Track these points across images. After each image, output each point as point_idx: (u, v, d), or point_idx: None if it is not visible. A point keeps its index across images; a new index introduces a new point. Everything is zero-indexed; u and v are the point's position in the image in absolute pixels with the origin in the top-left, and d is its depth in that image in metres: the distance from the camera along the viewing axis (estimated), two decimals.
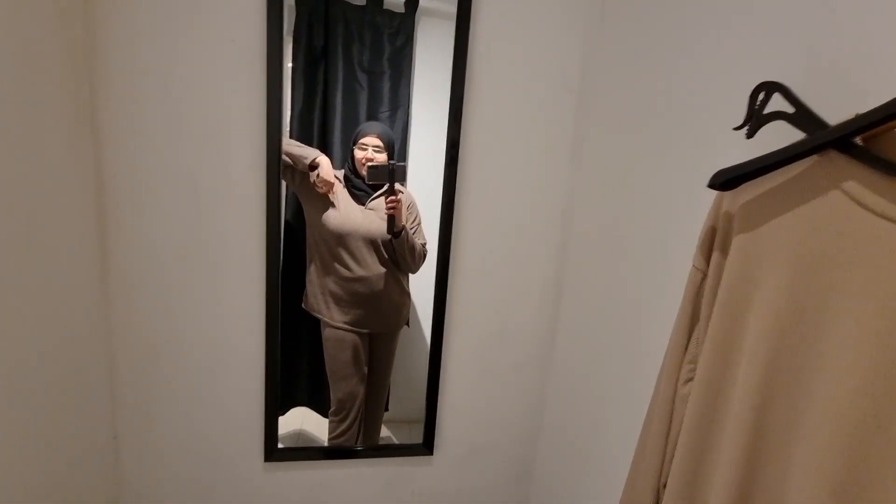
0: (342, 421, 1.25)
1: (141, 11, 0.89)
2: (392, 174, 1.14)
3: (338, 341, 1.22)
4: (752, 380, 0.48)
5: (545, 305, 1.19)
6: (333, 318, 1.20)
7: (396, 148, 1.32)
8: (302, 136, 1.36)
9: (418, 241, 1.18)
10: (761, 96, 0.49)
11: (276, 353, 1.11)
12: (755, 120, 0.50)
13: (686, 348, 0.56)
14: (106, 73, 0.89)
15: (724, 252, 0.53)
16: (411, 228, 1.18)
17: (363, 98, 1.40)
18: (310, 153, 1.18)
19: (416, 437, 1.26)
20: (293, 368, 1.44)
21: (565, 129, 1.12)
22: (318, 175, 1.17)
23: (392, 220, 1.14)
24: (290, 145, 1.17)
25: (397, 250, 1.17)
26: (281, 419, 1.34)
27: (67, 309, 0.87)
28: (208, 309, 1.03)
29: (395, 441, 1.33)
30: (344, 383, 1.23)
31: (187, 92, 0.93)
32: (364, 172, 1.18)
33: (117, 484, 1.07)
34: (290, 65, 1.32)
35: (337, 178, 1.24)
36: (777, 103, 0.49)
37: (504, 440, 1.26)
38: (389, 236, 1.16)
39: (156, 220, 0.97)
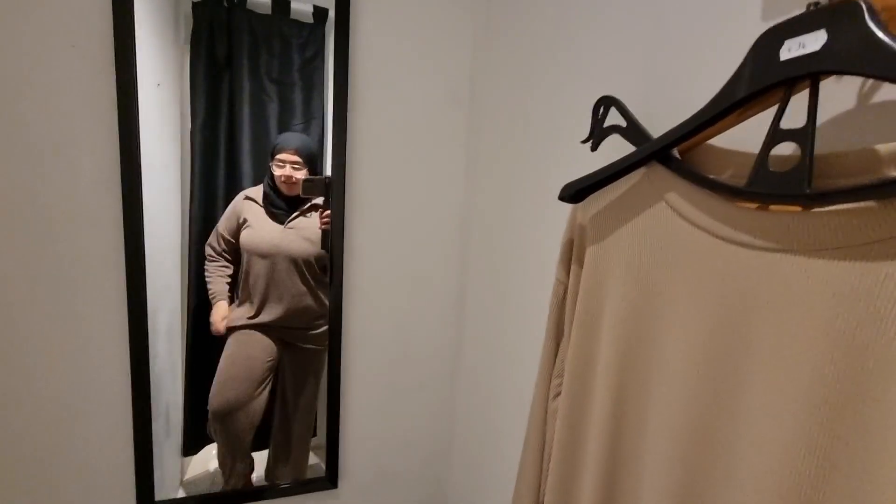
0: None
1: None
2: (328, 188, 1.10)
3: (242, 343, 1.14)
4: (606, 391, 0.48)
5: (448, 322, 1.17)
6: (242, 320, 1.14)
7: (316, 160, 1.28)
8: (206, 148, 1.28)
9: None
10: (601, 110, 0.50)
11: (146, 390, 0.99)
12: (598, 133, 0.51)
13: (554, 362, 0.56)
14: None
15: (580, 263, 0.53)
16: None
17: (273, 109, 1.34)
18: (213, 291, 1.15)
19: None
20: (204, 403, 1.34)
21: (456, 141, 1.11)
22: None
23: (326, 234, 1.10)
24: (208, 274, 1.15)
25: (327, 267, 1.13)
26: (194, 459, 1.23)
27: None
28: (59, 351, 0.89)
29: (324, 468, 1.26)
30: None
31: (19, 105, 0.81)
32: (285, 189, 1.13)
33: None
34: (187, 75, 1.25)
35: (250, 198, 1.18)
36: (618, 118, 0.50)
37: (414, 463, 1.22)
38: (312, 255, 1.12)
39: None
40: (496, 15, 1.01)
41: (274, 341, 1.15)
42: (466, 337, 1.15)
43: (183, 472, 1.28)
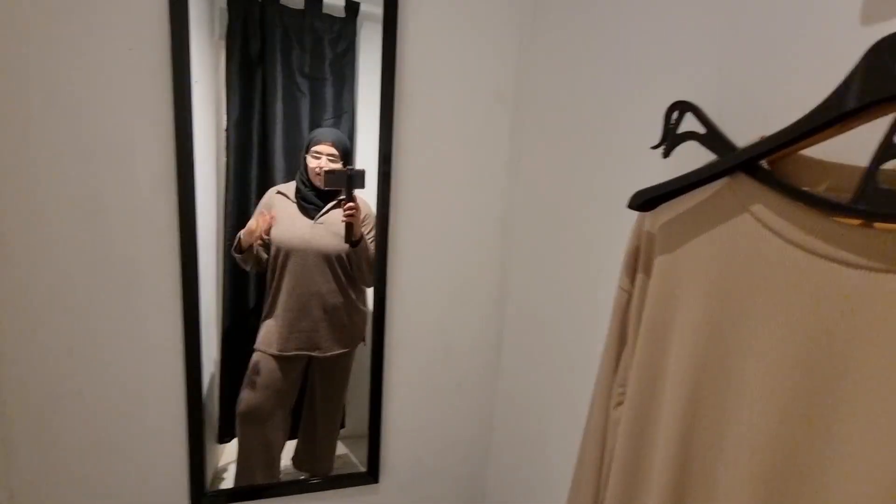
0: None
1: (14, 23, 0.78)
2: (350, 180, 1.09)
3: (273, 371, 1.13)
4: (677, 404, 0.47)
5: (489, 321, 1.16)
6: (272, 347, 1.12)
7: (350, 156, 1.27)
8: (240, 144, 1.29)
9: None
10: (675, 115, 0.49)
11: (199, 388, 1.01)
12: (670, 139, 0.49)
13: (616, 371, 0.55)
14: None
15: (648, 272, 0.52)
16: (369, 238, 1.13)
17: (305, 105, 1.34)
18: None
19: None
20: (237, 391, 1.36)
21: (500, 141, 1.10)
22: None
23: (350, 228, 1.08)
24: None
25: (354, 261, 1.12)
26: (227, 447, 1.26)
27: None
28: (115, 346, 0.92)
29: (353, 458, 1.28)
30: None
31: (81, 109, 0.83)
32: (319, 182, 1.12)
33: None
34: (223, 70, 1.25)
35: (282, 193, 1.18)
36: (692, 123, 0.48)
37: (453, 461, 1.23)
38: (342, 251, 1.11)
39: (48, 251, 0.85)
40: (543, 12, 0.99)
41: (301, 358, 1.14)
42: (507, 338, 1.15)
43: (217, 459, 1.32)
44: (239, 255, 1.11)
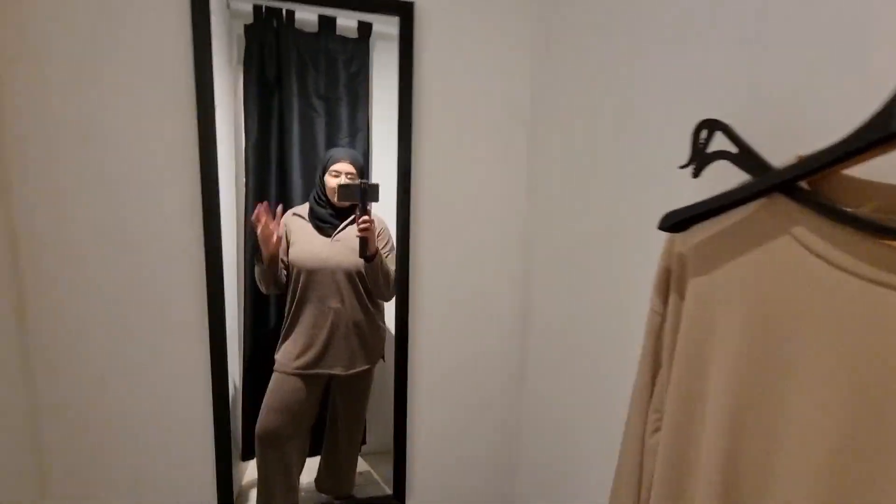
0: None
1: (49, 59, 0.81)
2: (364, 194, 1.09)
3: (296, 390, 1.13)
4: (719, 431, 0.45)
5: (511, 337, 1.15)
6: (292, 366, 1.12)
7: (366, 173, 1.28)
8: (259, 166, 1.31)
9: (392, 266, 1.13)
10: (704, 134, 0.48)
11: (226, 416, 1.01)
12: (699, 159, 0.48)
13: (651, 395, 0.54)
14: (13, 126, 0.81)
15: (681, 294, 0.50)
16: (384, 253, 1.13)
17: (321, 125, 1.36)
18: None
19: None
20: (257, 409, 1.37)
21: (519, 159, 1.10)
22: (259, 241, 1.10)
23: (364, 242, 1.08)
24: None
25: (369, 276, 1.11)
26: (249, 464, 1.26)
27: None
28: (145, 371, 0.94)
29: (375, 475, 1.27)
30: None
31: (109, 142, 0.86)
32: (338, 200, 1.13)
33: None
34: (241, 94, 1.27)
35: (298, 214, 1.18)
36: (722, 141, 0.47)
37: (480, 481, 1.21)
38: (361, 267, 1.11)
39: (81, 281, 0.88)
40: (558, 31, 0.99)
41: (321, 377, 1.14)
42: (531, 356, 1.13)
43: (241, 477, 1.32)
44: (258, 267, 1.11)
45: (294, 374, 1.12)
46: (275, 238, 1.10)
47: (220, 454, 1.01)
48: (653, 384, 0.53)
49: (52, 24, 0.80)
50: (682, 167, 0.50)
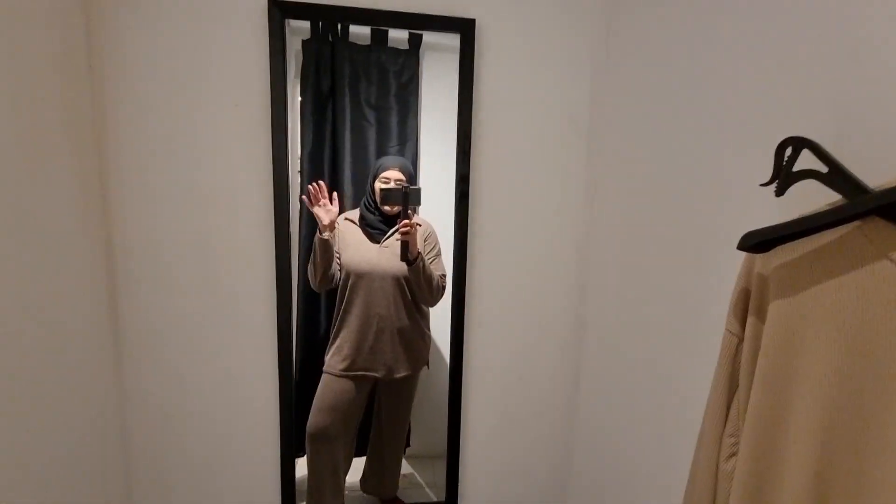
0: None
1: (147, 83, 0.90)
2: (406, 197, 1.11)
3: (343, 392, 1.17)
4: (804, 461, 0.44)
5: (566, 349, 1.15)
6: (339, 369, 1.16)
7: (415, 181, 1.32)
8: (313, 174, 1.37)
9: (436, 272, 1.15)
10: (788, 152, 0.46)
11: (290, 414, 1.07)
12: (784, 177, 0.46)
13: (726, 419, 0.52)
14: (114, 145, 0.90)
15: (761, 316, 0.49)
16: (428, 258, 1.15)
17: (372, 134, 1.40)
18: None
19: (440, 474, 1.20)
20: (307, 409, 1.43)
21: (577, 167, 1.09)
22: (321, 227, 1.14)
23: (405, 245, 1.11)
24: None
25: (413, 279, 1.14)
26: (299, 461, 1.31)
27: (81, 379, 0.86)
28: (220, 372, 1.01)
29: (419, 478, 1.29)
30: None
31: (195, 158, 0.94)
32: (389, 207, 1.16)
33: None
34: (298, 103, 1.33)
35: (349, 219, 1.22)
36: (807, 159, 0.45)
37: (532, 491, 1.21)
38: (406, 274, 1.13)
39: (166, 285, 0.96)
40: (620, 39, 0.98)
41: (368, 380, 1.17)
42: (586, 369, 1.12)
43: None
44: (319, 240, 1.13)
45: (341, 376, 1.16)
46: (333, 207, 1.14)
47: (285, 455, 1.07)
48: (728, 408, 0.52)
49: (151, 50, 0.89)
50: (765, 185, 0.49)
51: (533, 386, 1.15)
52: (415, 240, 1.12)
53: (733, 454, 0.51)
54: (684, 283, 0.77)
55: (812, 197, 0.44)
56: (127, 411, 0.98)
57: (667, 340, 0.82)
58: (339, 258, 1.19)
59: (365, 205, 1.22)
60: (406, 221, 1.09)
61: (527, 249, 1.10)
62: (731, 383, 0.51)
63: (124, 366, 0.96)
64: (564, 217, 1.10)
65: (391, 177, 1.18)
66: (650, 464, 0.86)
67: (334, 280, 1.18)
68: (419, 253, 1.13)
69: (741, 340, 0.51)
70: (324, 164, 1.42)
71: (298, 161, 1.34)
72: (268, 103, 0.93)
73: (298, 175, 1.35)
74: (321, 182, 1.16)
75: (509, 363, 1.13)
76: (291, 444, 1.08)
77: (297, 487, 1.23)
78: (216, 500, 1.05)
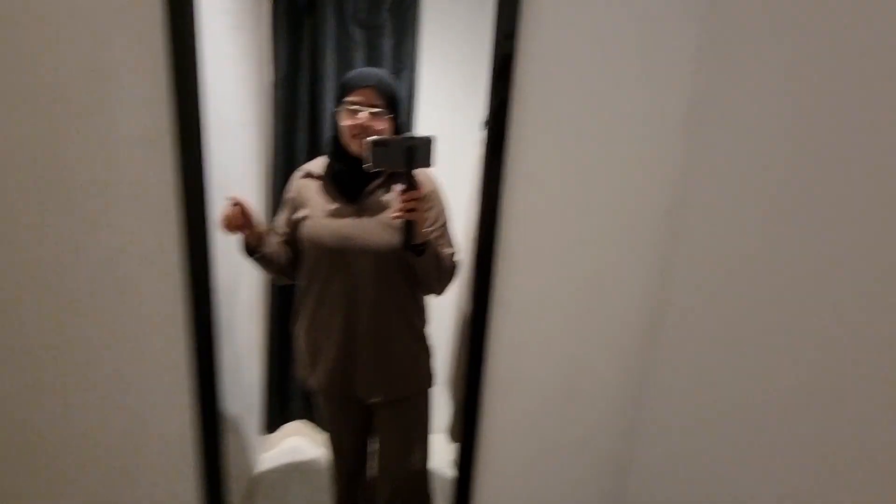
0: None
1: None
2: (411, 155, 0.65)
3: (334, 413, 0.85)
4: None
5: (628, 359, 0.79)
6: (321, 383, 0.80)
7: (405, 110, 1.01)
8: (287, 106, 1.11)
9: (446, 251, 0.76)
10: None
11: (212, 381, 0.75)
12: None
13: None
14: None
15: None
16: (433, 234, 0.74)
17: (359, 57, 1.14)
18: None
19: None
20: (283, 383, 1.21)
21: (670, 84, 0.68)
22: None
23: (411, 228, 0.68)
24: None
25: (419, 269, 0.73)
26: (273, 436, 1.17)
27: None
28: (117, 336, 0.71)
29: None
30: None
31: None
32: (358, 150, 0.72)
33: None
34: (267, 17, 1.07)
35: (311, 174, 0.78)
36: None
37: None
38: (396, 248, 0.71)
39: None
40: None
41: (351, 403, 0.83)
42: (655, 382, 0.78)
43: (263, 449, 1.18)
44: (251, 258, 0.78)
45: (325, 397, 0.84)
46: (237, 213, 0.74)
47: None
48: None
49: None
50: None
51: (581, 406, 0.81)
52: (423, 219, 0.69)
53: None
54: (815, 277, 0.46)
55: None
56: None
57: (790, 347, 0.50)
58: (291, 234, 0.79)
59: (332, 151, 0.77)
60: (414, 193, 0.66)
61: (586, 218, 0.73)
62: None
63: None
64: (647, 173, 0.71)
65: (360, 102, 0.73)
66: None
67: (288, 267, 0.81)
68: (428, 237, 0.71)
69: None
70: (300, 93, 1.16)
71: (272, 87, 1.09)
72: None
73: (272, 108, 1.10)
74: (240, 201, 0.74)
75: (551, 375, 0.79)
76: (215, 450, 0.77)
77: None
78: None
